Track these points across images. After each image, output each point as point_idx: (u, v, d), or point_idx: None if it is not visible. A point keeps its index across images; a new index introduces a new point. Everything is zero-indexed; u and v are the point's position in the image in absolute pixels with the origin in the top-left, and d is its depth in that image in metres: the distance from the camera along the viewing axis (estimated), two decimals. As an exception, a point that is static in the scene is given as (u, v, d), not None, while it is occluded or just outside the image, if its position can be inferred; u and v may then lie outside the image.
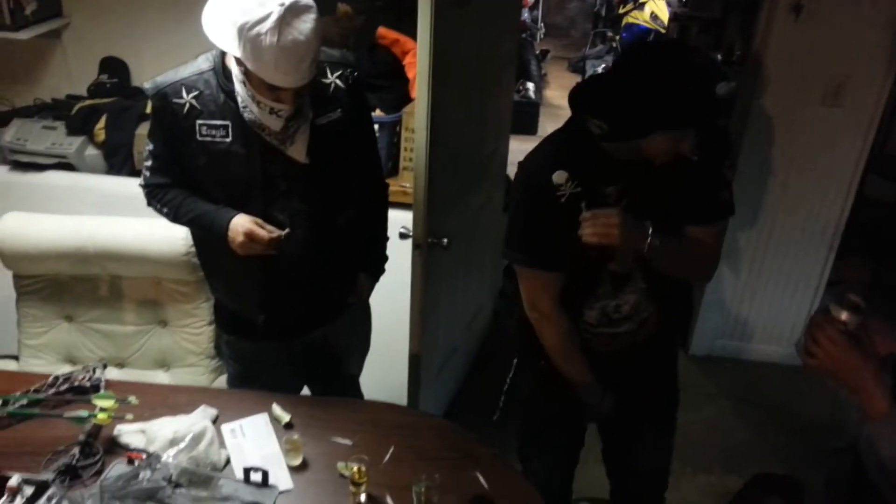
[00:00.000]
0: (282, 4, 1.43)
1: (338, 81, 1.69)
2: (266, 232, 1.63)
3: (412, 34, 1.92)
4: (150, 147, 1.72)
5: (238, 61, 1.53)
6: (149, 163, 1.73)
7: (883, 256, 3.48)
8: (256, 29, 1.43)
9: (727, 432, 2.97)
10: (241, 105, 1.59)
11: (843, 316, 1.15)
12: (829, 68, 2.75)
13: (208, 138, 1.63)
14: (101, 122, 3.04)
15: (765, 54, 2.78)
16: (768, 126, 2.86)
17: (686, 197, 1.58)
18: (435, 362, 2.56)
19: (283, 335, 1.88)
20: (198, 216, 1.70)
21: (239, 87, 1.58)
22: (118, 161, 2.95)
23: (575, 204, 1.56)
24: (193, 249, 2.11)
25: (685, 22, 5.48)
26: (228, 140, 1.63)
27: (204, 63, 1.65)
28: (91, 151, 2.85)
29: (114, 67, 3.26)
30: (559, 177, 1.56)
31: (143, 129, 3.04)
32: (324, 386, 2.04)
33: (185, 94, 1.62)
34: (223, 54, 1.62)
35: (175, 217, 1.74)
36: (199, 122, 1.62)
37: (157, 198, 1.74)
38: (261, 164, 1.65)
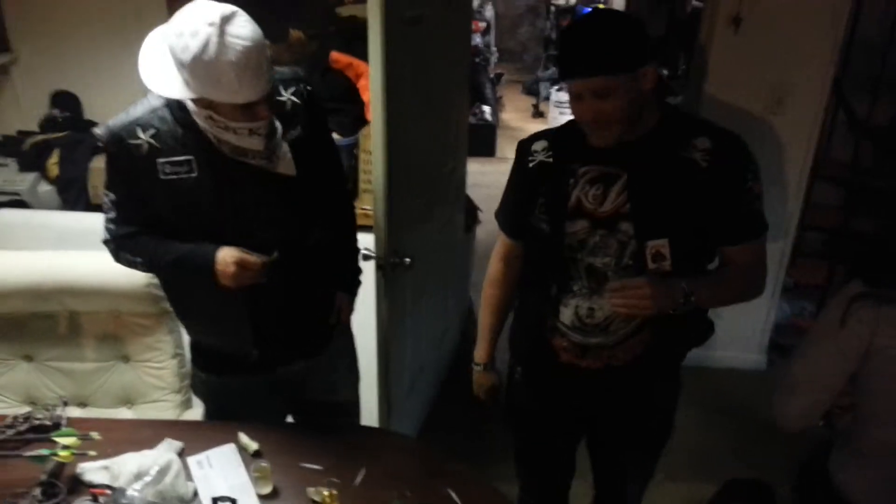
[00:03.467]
0: (212, 24, 1.37)
1: (293, 98, 1.66)
2: (256, 258, 1.57)
3: (365, 58, 1.93)
4: (112, 197, 1.63)
5: (198, 103, 1.48)
6: (111, 214, 1.64)
7: (835, 258, 3.59)
8: (204, 58, 1.38)
9: (697, 440, 3.00)
10: (214, 140, 1.53)
11: None
12: (770, 78, 2.86)
13: (173, 176, 1.55)
14: (54, 157, 3.00)
15: (707, 67, 2.88)
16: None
17: (709, 211, 1.52)
18: (404, 382, 2.56)
19: (269, 371, 1.81)
20: (178, 258, 1.60)
21: (205, 125, 1.52)
22: (72, 196, 2.91)
23: (541, 172, 1.63)
24: (154, 281, 2.09)
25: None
26: (194, 175, 1.56)
27: (155, 100, 1.57)
28: (44, 187, 2.81)
29: (65, 101, 3.22)
30: (538, 145, 1.66)
31: (98, 162, 3.01)
32: (314, 415, 1.97)
33: (140, 133, 1.54)
34: None
35: (151, 265, 1.65)
36: (159, 160, 1.55)
37: (126, 249, 1.65)
38: (232, 194, 1.59)
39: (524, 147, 1.69)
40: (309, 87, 1.71)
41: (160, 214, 1.62)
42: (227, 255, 1.56)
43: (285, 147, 1.61)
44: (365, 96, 2.73)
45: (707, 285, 1.55)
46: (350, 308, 1.96)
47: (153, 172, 1.56)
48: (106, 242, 1.68)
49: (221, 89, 1.42)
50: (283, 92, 1.65)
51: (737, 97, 2.90)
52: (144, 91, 1.62)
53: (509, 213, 1.76)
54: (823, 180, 3.58)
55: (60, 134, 3.07)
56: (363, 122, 2.66)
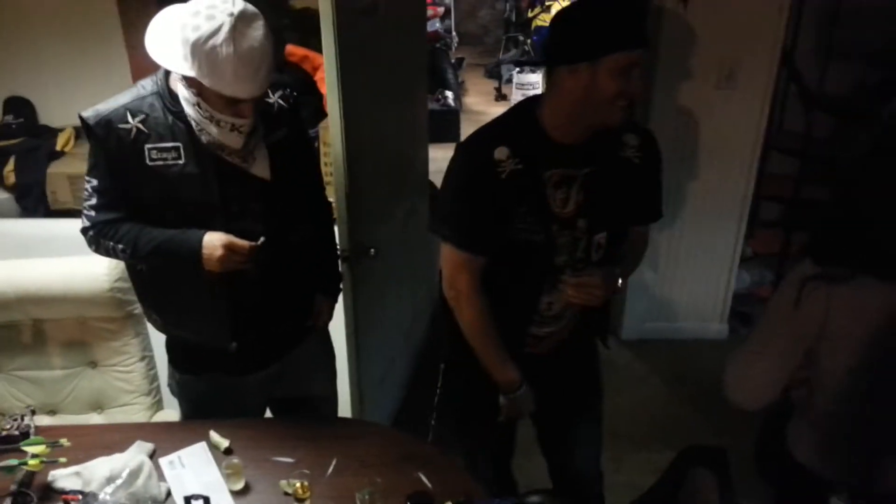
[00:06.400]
0: (231, 14, 1.41)
1: (280, 101, 1.70)
2: (245, 241, 1.59)
3: (321, 50, 1.94)
4: (94, 183, 1.62)
5: (190, 82, 1.50)
6: (93, 201, 1.63)
7: (792, 227, 3.68)
8: (211, 42, 1.41)
9: (664, 410, 3.08)
10: (196, 129, 1.55)
11: None
12: (721, 53, 2.91)
13: (159, 162, 1.57)
14: (10, 165, 2.96)
15: (659, 44, 2.92)
16: (670, 113, 2.99)
17: (633, 199, 1.68)
18: (375, 372, 2.58)
19: (247, 368, 1.82)
20: (162, 242, 1.60)
21: (191, 111, 1.54)
22: (31, 202, 2.88)
23: (516, 181, 1.54)
24: (117, 285, 2.08)
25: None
26: (181, 162, 1.57)
27: (146, 87, 1.60)
28: (1, 195, 2.77)
29: (19, 107, 3.17)
30: (500, 153, 1.54)
31: (55, 167, 2.98)
32: (288, 411, 1.99)
33: (130, 118, 1.56)
34: (167, 77, 1.59)
35: (133, 251, 1.62)
36: (147, 146, 1.56)
37: (108, 236, 1.63)
38: (217, 184, 1.60)
39: (482, 156, 1.55)
40: (295, 93, 1.75)
41: (144, 201, 1.62)
42: (214, 239, 1.58)
43: (264, 150, 1.64)
44: (323, 89, 2.72)
45: (626, 267, 1.76)
46: (330, 312, 1.96)
47: (140, 158, 1.57)
48: (84, 230, 1.67)
49: (216, 77, 1.45)
50: (270, 94, 1.68)
51: (689, 73, 2.95)
52: (99, 95, 1.64)
53: (479, 231, 1.60)
54: (779, 151, 3.67)
55: (15, 140, 3.03)
56: (323, 114, 2.66)
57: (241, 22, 1.43)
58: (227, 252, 1.57)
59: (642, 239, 1.82)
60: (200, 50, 1.43)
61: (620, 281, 1.68)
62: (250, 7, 1.47)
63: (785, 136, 3.73)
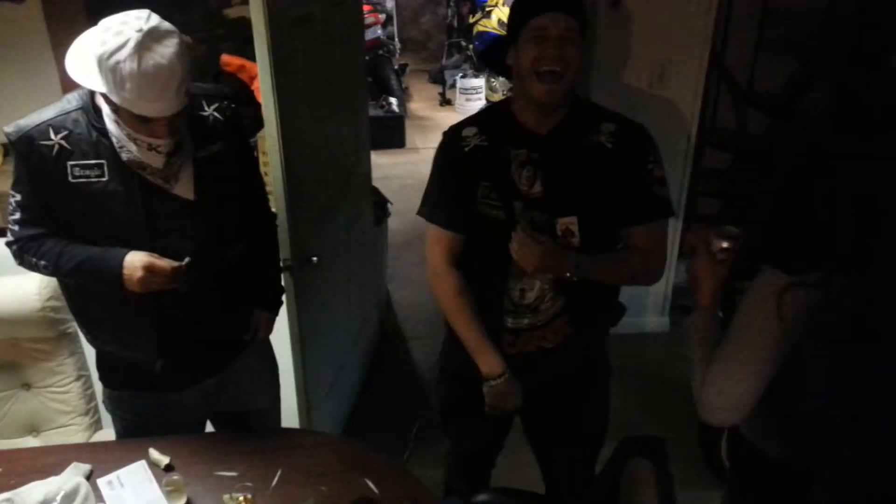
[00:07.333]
0: (139, 31, 1.40)
1: (216, 114, 1.67)
2: (167, 262, 1.56)
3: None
4: (18, 198, 1.60)
5: (106, 98, 1.48)
6: (17, 216, 1.61)
7: (726, 220, 3.77)
8: (115, 57, 1.39)
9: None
10: (117, 145, 1.53)
11: (715, 242, 1.42)
12: (652, 54, 2.99)
13: (82, 179, 1.54)
14: (-67, 184, 2.84)
15: (593, 46, 2.99)
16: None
17: (614, 192, 1.61)
18: (323, 381, 2.56)
19: (178, 384, 1.78)
20: (83, 261, 1.58)
21: (112, 127, 1.52)
22: (-42, 223, 2.77)
23: (479, 156, 1.63)
24: (50, 304, 2.02)
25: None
26: (105, 179, 1.54)
27: (71, 102, 1.57)
28: (-75, 216, 2.65)
29: (-59, 125, 3.05)
30: (468, 131, 1.67)
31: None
32: (229, 425, 1.95)
33: (52, 135, 1.53)
34: (92, 93, 1.56)
35: (55, 268, 1.60)
36: (70, 163, 1.53)
37: (31, 252, 1.61)
38: (142, 203, 1.57)
39: (454, 135, 1.68)
40: (234, 105, 1.72)
41: (68, 218, 1.60)
42: (134, 259, 1.55)
43: (189, 169, 1.61)
44: (260, 98, 2.70)
45: (599, 262, 1.64)
46: (269, 326, 1.92)
47: (63, 174, 1.54)
48: (9, 244, 1.64)
49: (121, 93, 1.43)
50: (205, 107, 1.66)
51: (622, 74, 3.02)
52: (29, 110, 1.60)
53: (447, 205, 1.69)
54: (713, 147, 3.77)
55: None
56: (261, 124, 2.64)
57: (149, 38, 1.41)
58: (147, 274, 1.54)
59: (642, 243, 1.68)
60: (106, 65, 1.41)
61: (574, 271, 1.58)
62: (165, 25, 1.45)
63: (718, 132, 3.84)
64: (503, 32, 7.55)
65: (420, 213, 1.75)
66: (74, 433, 2.13)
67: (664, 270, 1.76)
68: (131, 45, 1.39)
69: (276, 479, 1.62)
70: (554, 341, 1.72)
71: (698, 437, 2.67)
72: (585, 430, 1.90)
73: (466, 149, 1.65)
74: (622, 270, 1.71)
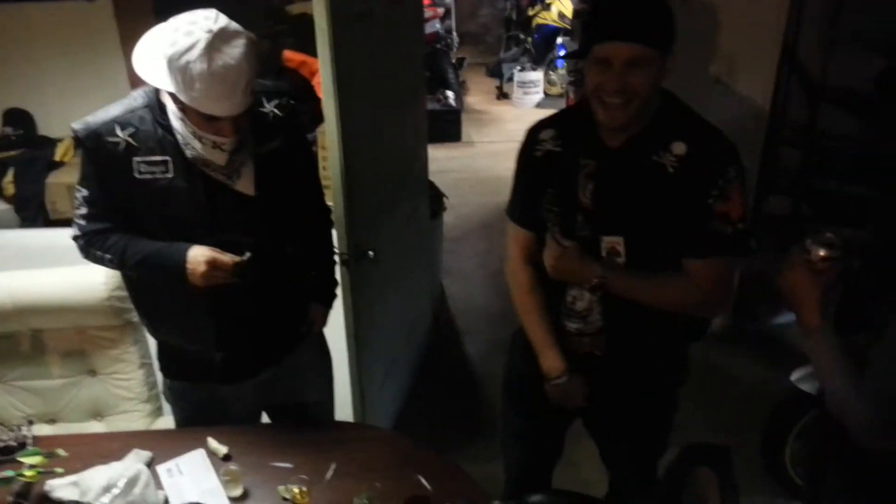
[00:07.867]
0: (209, 31, 1.41)
1: (276, 110, 1.68)
2: (229, 257, 1.58)
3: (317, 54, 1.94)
4: (84, 193, 1.63)
5: (173, 97, 1.50)
6: (83, 210, 1.64)
7: (805, 219, 3.62)
8: (185, 58, 1.41)
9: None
10: (181, 142, 1.56)
11: (813, 251, 1.28)
12: (720, 46, 2.89)
13: (148, 175, 1.57)
14: (9, 176, 2.97)
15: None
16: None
17: (668, 220, 1.51)
18: (377, 375, 2.57)
19: (236, 376, 1.81)
20: (148, 255, 1.61)
21: (178, 125, 1.54)
22: (31, 213, 2.89)
23: (549, 161, 1.61)
24: (115, 294, 2.08)
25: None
26: (170, 176, 1.57)
27: (137, 99, 1.60)
28: (1, 206, 2.78)
29: (18, 118, 3.19)
30: (546, 133, 1.64)
31: (54, 178, 2.99)
32: (284, 416, 1.97)
33: (119, 132, 1.55)
34: (158, 90, 1.58)
35: (121, 262, 1.64)
36: (136, 159, 1.56)
37: (96, 246, 1.64)
38: (205, 199, 1.60)
39: (532, 135, 1.66)
40: (293, 102, 1.73)
41: (133, 213, 1.63)
42: (198, 254, 1.57)
43: (250, 165, 1.63)
44: (321, 93, 2.72)
45: (633, 278, 1.55)
46: (324, 320, 1.95)
47: (128, 170, 1.57)
48: (76, 238, 1.68)
49: (190, 93, 1.45)
50: (265, 104, 1.67)
51: (688, 68, 2.92)
52: (98, 106, 1.63)
53: (522, 204, 1.71)
54: (783, 144, 3.61)
55: (14, 152, 3.05)
56: (321, 118, 2.65)
57: (218, 39, 1.42)
58: (210, 268, 1.56)
59: (697, 275, 1.54)
60: (175, 65, 1.42)
61: (598, 281, 1.53)
62: (233, 25, 1.46)
63: (790, 128, 3.68)
64: (563, 25, 7.43)
65: (507, 212, 1.77)
66: (136, 419, 2.19)
67: (726, 306, 1.66)
68: (201, 45, 1.41)
69: (330, 472, 1.63)
70: (603, 351, 1.68)
71: (762, 444, 2.57)
72: (644, 434, 1.83)
73: (539, 154, 1.63)
74: (666, 295, 1.57)
